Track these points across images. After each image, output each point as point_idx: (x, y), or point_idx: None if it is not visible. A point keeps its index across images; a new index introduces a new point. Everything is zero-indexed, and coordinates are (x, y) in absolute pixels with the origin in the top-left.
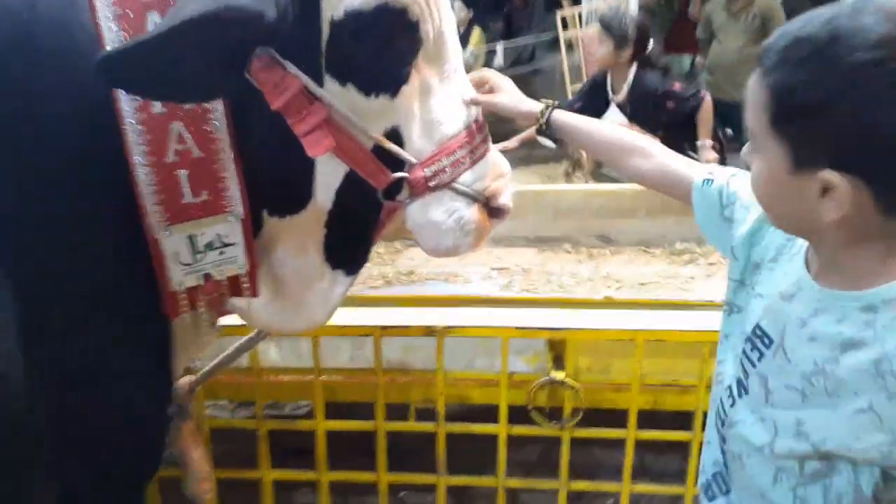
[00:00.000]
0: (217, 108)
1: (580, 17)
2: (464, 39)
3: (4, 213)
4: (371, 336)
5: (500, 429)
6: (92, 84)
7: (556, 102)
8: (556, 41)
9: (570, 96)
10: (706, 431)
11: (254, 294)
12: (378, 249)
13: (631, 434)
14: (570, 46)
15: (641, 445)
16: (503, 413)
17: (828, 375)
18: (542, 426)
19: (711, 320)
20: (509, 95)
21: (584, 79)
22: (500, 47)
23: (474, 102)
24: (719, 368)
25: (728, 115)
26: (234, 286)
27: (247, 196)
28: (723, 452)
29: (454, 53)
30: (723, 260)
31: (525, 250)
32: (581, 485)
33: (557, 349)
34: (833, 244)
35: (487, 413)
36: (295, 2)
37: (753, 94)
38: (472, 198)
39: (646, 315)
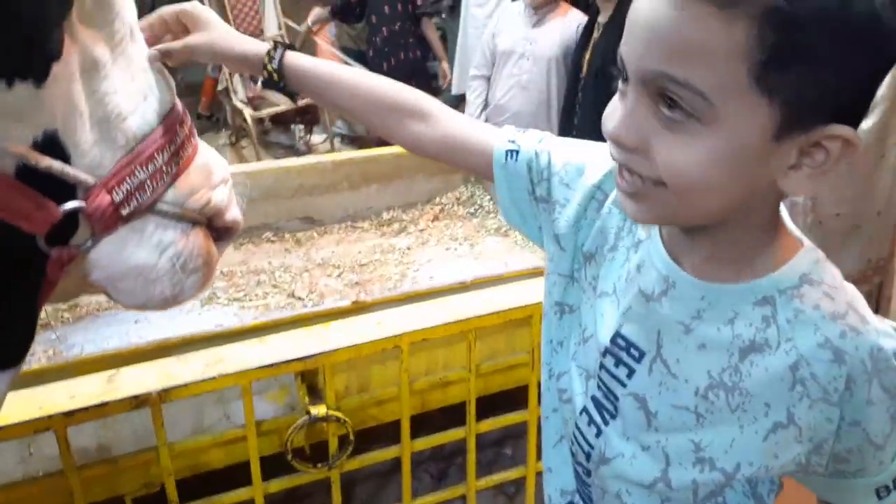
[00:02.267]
0: None
1: None
2: None
3: None
4: (52, 429)
5: (256, 490)
6: None
7: (287, 43)
8: None
9: None
10: (543, 457)
11: None
12: None
13: (406, 449)
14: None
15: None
16: (256, 472)
17: (729, 388)
18: (309, 472)
19: (467, 306)
20: (215, 33)
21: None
22: None
23: (165, 55)
24: (560, 384)
25: None
26: None
27: None
28: (584, 484)
29: (127, 7)
30: (431, 225)
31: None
32: None
33: (310, 379)
34: (738, 229)
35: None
36: None
37: (704, 38)
38: (189, 219)
39: (401, 312)
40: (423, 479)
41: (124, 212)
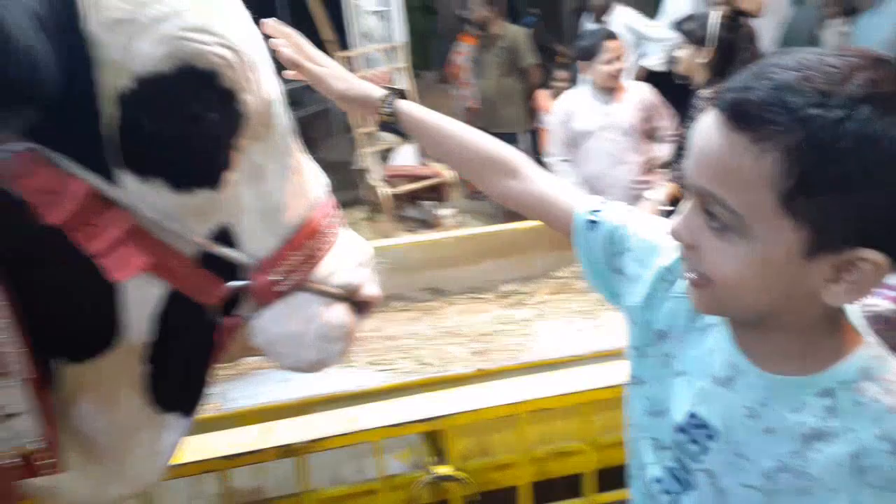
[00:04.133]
0: None
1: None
2: None
3: None
4: (215, 471)
5: None
6: None
7: (403, 89)
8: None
9: (361, 141)
10: None
11: (57, 471)
12: None
13: None
14: None
15: None
16: None
17: (796, 472)
18: None
19: (587, 377)
20: (340, 71)
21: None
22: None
23: (297, 66)
24: (633, 446)
25: None
26: (29, 466)
27: (28, 348)
28: None
29: (286, 123)
30: (550, 298)
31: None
32: None
33: (435, 439)
34: (797, 328)
35: None
36: (55, 57)
37: (740, 166)
38: (334, 296)
39: (520, 382)
40: None
41: (279, 289)
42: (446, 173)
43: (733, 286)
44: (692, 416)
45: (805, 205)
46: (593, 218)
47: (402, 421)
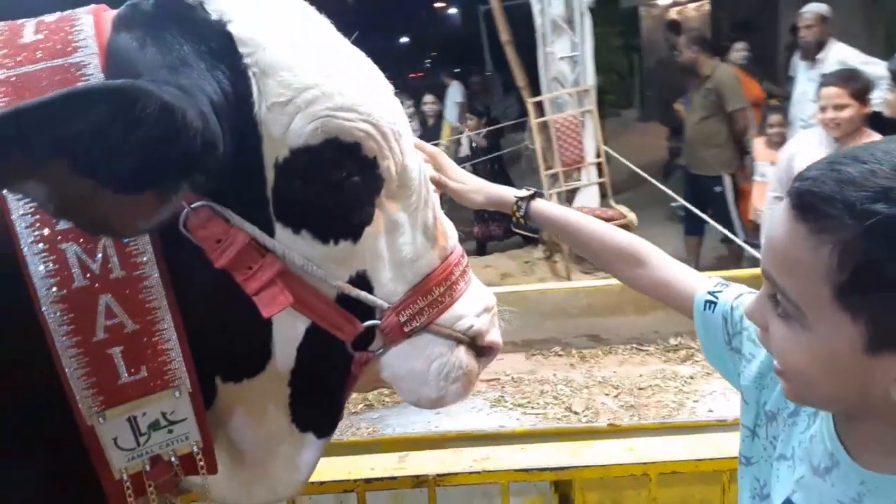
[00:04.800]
0: (151, 273)
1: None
2: (435, 132)
3: None
4: (355, 492)
5: None
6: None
7: (534, 191)
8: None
9: (544, 180)
10: None
11: (211, 471)
12: None
13: None
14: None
15: None
16: None
17: None
18: None
19: (728, 443)
20: (476, 183)
21: (558, 165)
22: (465, 137)
23: (441, 186)
24: None
25: None
26: (189, 465)
27: (193, 366)
28: None
29: (422, 183)
30: None
31: (513, 356)
32: None
33: (563, 489)
34: (883, 421)
35: None
36: (229, 137)
37: (799, 255)
38: (456, 339)
39: (654, 442)
40: None
41: (407, 329)
42: (629, 215)
43: (802, 376)
44: (788, 502)
45: (861, 300)
46: (712, 299)
47: (529, 467)
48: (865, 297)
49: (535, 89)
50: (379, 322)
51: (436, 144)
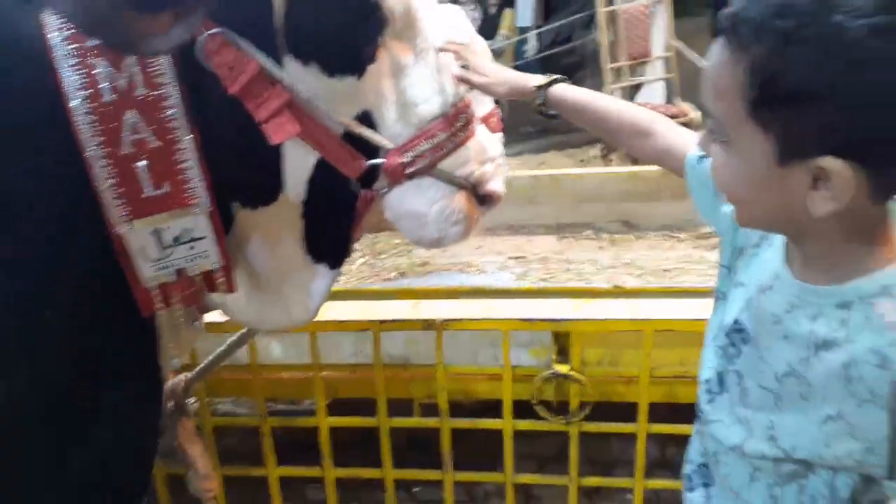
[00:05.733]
0: (172, 94)
1: None
2: (495, 21)
3: None
4: (370, 331)
5: (506, 424)
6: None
7: (554, 77)
8: (592, 19)
9: (608, 77)
10: (696, 421)
11: (230, 289)
12: (394, 240)
13: (642, 428)
14: (610, 23)
15: (663, 439)
16: (507, 408)
17: (800, 378)
18: (548, 421)
19: None
20: (504, 74)
21: (624, 58)
22: (532, 33)
23: (465, 81)
24: (703, 355)
25: None
26: (210, 281)
27: (212, 187)
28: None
29: (429, 30)
30: None
31: (545, 238)
32: (592, 480)
33: (562, 341)
34: (816, 237)
35: (498, 407)
36: None
37: (722, 75)
38: (457, 184)
39: (656, 304)
40: None
41: (409, 171)
42: (693, 113)
43: (736, 197)
44: (736, 321)
45: (769, 114)
46: (702, 153)
47: (529, 317)
48: (772, 110)
49: None
50: (383, 161)
51: (495, 37)
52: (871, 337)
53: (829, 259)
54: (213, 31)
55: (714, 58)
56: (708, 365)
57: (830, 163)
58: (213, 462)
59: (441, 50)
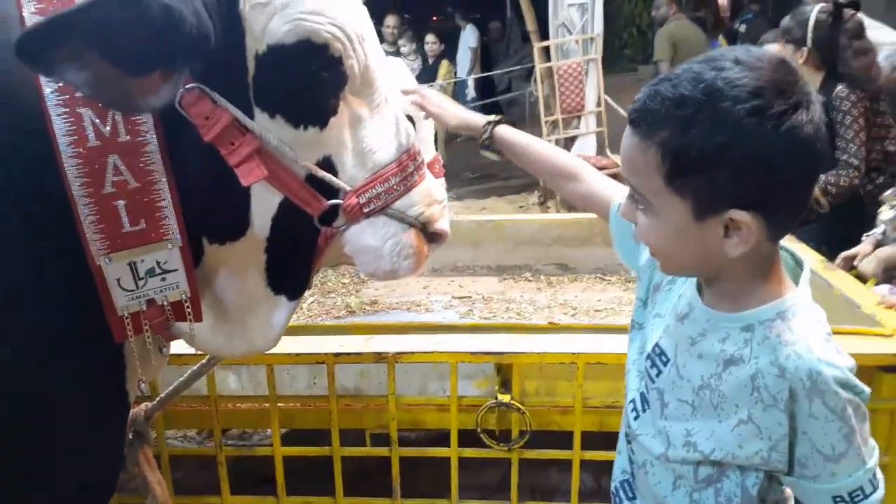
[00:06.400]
0: (151, 140)
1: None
2: (433, 71)
3: None
4: (325, 363)
5: (452, 452)
6: (27, 115)
7: (501, 117)
8: (530, 72)
9: (544, 126)
10: (618, 441)
11: (197, 319)
12: (343, 279)
13: (576, 454)
14: (547, 77)
15: (598, 469)
16: (454, 436)
17: (713, 390)
18: (492, 448)
19: None
20: (454, 108)
21: (559, 111)
22: (471, 80)
23: (422, 107)
24: (626, 380)
25: None
26: (178, 311)
27: (183, 224)
28: (630, 462)
29: (383, 85)
30: None
31: (487, 279)
32: None
33: (504, 373)
34: (727, 276)
35: (446, 437)
36: (219, 30)
37: (637, 159)
38: (408, 223)
39: (588, 339)
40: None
41: (366, 210)
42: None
43: (661, 252)
44: (656, 346)
45: (682, 182)
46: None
47: (474, 350)
48: (684, 178)
49: (546, 36)
50: (341, 202)
51: (431, 84)
52: (770, 353)
53: (736, 292)
54: (190, 85)
55: (626, 143)
56: (632, 387)
57: (738, 214)
58: (169, 491)
59: (405, 92)
